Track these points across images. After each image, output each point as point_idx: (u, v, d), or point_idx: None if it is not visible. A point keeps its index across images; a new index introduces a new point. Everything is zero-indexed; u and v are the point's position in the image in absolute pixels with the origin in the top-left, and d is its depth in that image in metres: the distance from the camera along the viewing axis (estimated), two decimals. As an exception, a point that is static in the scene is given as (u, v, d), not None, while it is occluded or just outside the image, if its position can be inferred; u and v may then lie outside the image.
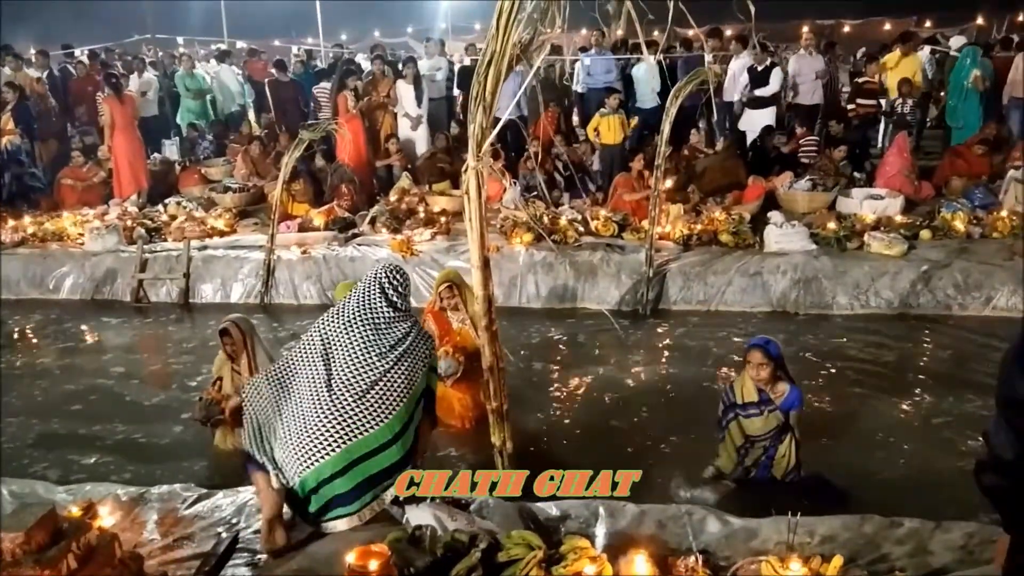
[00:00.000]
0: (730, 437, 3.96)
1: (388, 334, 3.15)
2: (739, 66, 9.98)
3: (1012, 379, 1.61)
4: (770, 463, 3.95)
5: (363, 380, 3.08)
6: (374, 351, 3.11)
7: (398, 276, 3.27)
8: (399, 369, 3.12)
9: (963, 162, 8.86)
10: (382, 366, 3.10)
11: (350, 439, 3.02)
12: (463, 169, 3.11)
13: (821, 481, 3.98)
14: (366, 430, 3.04)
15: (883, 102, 10.27)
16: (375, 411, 3.07)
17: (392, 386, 3.10)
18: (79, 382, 5.85)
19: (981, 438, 1.68)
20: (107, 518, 3.08)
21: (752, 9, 2.51)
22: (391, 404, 3.09)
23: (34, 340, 6.89)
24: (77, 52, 13.40)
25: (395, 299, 3.20)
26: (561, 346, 6.33)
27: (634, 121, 9.67)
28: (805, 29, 19.16)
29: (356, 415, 3.04)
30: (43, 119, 10.66)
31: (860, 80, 10.17)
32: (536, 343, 6.34)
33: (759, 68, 9.72)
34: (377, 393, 3.08)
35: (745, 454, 3.96)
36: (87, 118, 11.42)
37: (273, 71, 12.01)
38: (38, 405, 5.47)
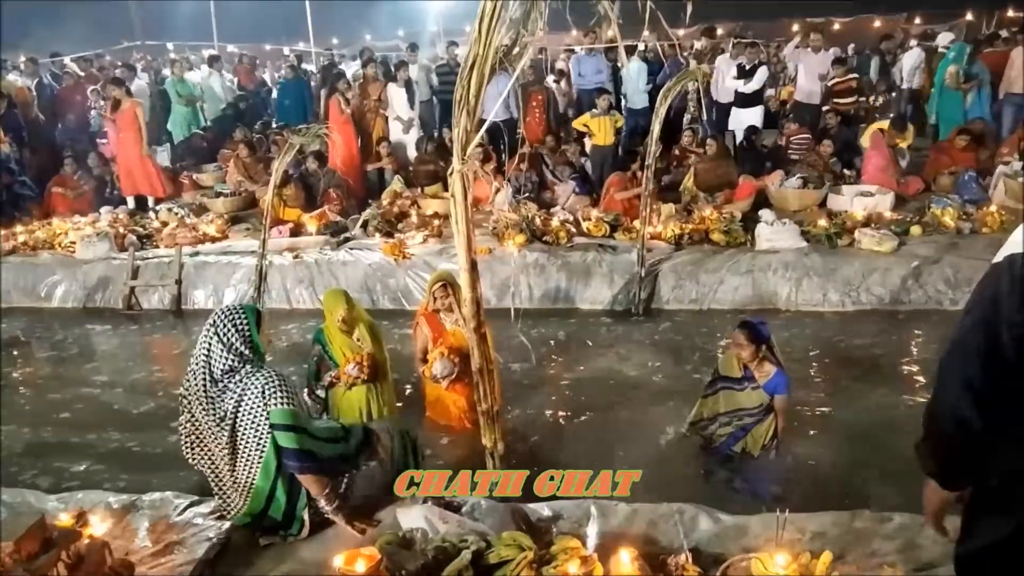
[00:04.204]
0: (712, 402, 4.35)
1: (220, 406, 3.07)
2: (726, 65, 10.02)
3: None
4: (743, 434, 4.25)
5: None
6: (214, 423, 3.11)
7: (228, 325, 3.12)
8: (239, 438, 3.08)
9: (947, 157, 8.91)
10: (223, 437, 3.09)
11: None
12: (448, 172, 3.12)
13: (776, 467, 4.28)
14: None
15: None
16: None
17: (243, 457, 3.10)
18: (70, 391, 5.84)
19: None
20: (98, 526, 3.08)
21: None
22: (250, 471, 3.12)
23: (25, 349, 6.87)
24: (66, 59, 13.38)
25: (222, 361, 3.08)
26: (553, 346, 6.34)
27: (619, 117, 9.65)
28: (796, 27, 19.26)
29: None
30: (32, 127, 10.64)
31: (831, 82, 10.18)
32: (529, 344, 6.33)
33: (747, 67, 9.75)
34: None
35: (726, 422, 4.29)
36: (77, 125, 11.39)
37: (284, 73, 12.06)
38: (27, 414, 5.45)
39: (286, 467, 3.08)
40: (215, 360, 3.07)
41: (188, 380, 3.15)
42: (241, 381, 3.05)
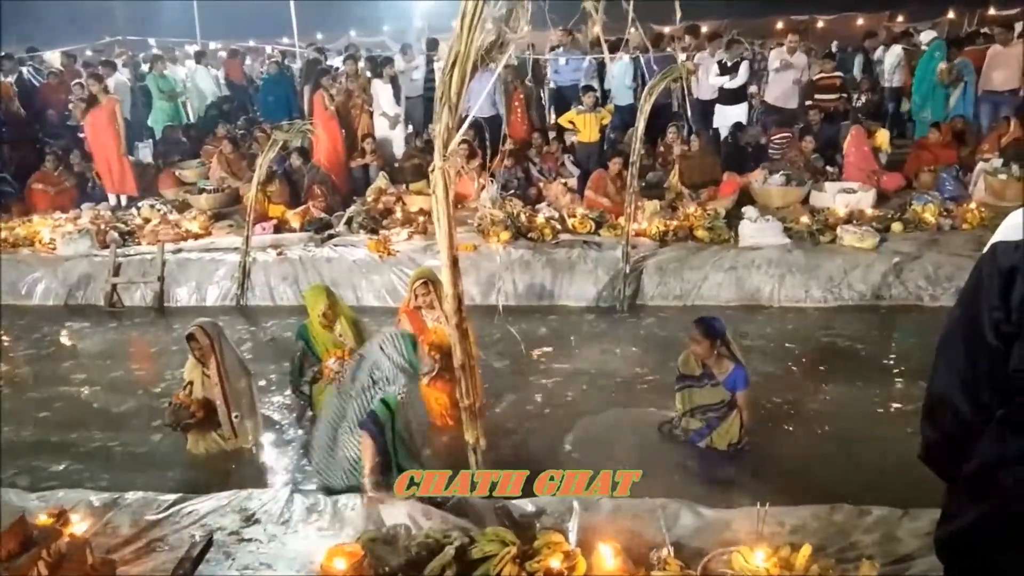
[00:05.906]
0: (679, 398, 4.48)
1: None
2: (708, 62, 10.03)
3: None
4: (709, 432, 4.32)
5: None
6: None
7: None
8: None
9: (928, 154, 8.97)
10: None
11: None
12: (430, 169, 3.12)
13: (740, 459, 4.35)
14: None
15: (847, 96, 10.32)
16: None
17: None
18: (50, 389, 5.78)
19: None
20: (79, 524, 3.06)
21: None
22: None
23: (5, 347, 6.80)
24: (47, 55, 13.23)
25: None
26: (537, 342, 6.34)
27: (605, 114, 9.66)
28: (780, 25, 19.34)
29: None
30: (11, 123, 10.52)
31: (815, 77, 10.21)
32: (512, 339, 6.33)
33: (729, 64, 9.77)
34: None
35: (689, 419, 4.39)
36: (58, 121, 11.26)
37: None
38: (7, 413, 5.37)
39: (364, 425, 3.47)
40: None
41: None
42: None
